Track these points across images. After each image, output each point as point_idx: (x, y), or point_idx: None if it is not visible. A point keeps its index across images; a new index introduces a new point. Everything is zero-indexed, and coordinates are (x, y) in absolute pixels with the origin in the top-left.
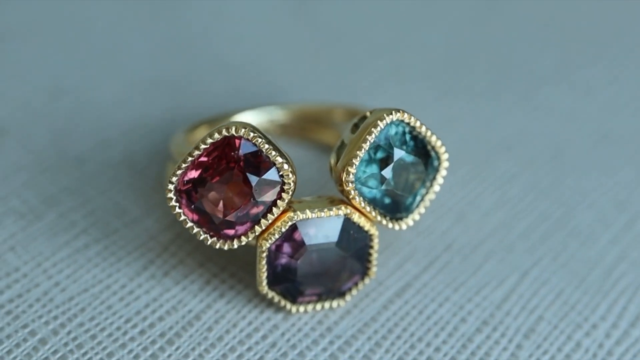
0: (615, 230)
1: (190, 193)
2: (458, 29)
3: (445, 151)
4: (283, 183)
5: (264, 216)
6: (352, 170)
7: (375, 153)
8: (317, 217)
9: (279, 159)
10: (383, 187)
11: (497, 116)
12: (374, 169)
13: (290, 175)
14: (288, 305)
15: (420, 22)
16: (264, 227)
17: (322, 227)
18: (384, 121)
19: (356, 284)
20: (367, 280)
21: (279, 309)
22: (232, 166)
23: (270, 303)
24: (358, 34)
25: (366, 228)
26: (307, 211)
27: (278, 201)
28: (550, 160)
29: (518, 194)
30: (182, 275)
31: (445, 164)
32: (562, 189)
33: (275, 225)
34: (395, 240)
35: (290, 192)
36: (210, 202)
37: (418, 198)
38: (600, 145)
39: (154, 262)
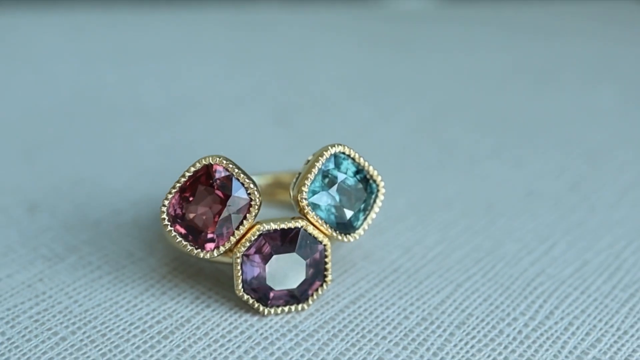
0: (536, 255)
1: (178, 214)
2: (411, 124)
3: (382, 179)
4: (250, 199)
5: (237, 229)
6: (305, 189)
7: (324, 180)
8: (279, 227)
9: (247, 180)
10: (332, 203)
11: (441, 184)
12: (324, 190)
13: (256, 193)
14: (261, 308)
15: (379, 120)
16: (237, 237)
17: (284, 238)
18: (329, 151)
19: (316, 290)
20: (325, 287)
21: (254, 312)
22: (209, 189)
23: (247, 308)
24: (328, 133)
25: (320, 238)
26: (272, 223)
27: (247, 215)
28: (484, 211)
29: (456, 234)
30: (176, 294)
31: (382, 190)
32: (492, 229)
33: (246, 237)
34: (350, 268)
35: (257, 207)
36: (194, 219)
37: (361, 218)
38: (526, 199)
39: (154, 286)
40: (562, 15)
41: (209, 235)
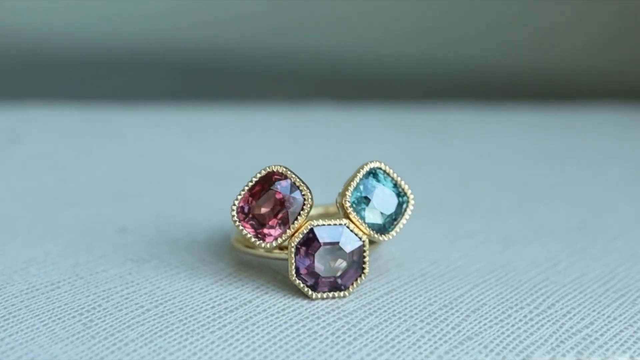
0: (542, 269)
1: (245, 211)
2: (442, 184)
3: (411, 193)
4: (304, 200)
5: (292, 223)
6: (348, 193)
7: (364, 189)
8: (327, 224)
9: (302, 185)
10: (370, 208)
11: (465, 222)
12: (364, 197)
13: (309, 194)
14: (310, 292)
15: (414, 179)
16: (292, 231)
17: (330, 233)
18: (369, 165)
19: (356, 280)
20: (363, 277)
21: (303, 297)
22: (271, 192)
23: (298, 294)
24: None
25: (360, 235)
26: (320, 220)
27: (301, 212)
28: (501, 240)
29: (476, 254)
30: (240, 285)
31: (411, 202)
32: (507, 252)
33: (299, 231)
34: (385, 272)
35: (309, 206)
36: (258, 216)
37: (395, 223)
38: (538, 234)
39: (222, 280)
40: (588, 117)
41: (270, 231)
